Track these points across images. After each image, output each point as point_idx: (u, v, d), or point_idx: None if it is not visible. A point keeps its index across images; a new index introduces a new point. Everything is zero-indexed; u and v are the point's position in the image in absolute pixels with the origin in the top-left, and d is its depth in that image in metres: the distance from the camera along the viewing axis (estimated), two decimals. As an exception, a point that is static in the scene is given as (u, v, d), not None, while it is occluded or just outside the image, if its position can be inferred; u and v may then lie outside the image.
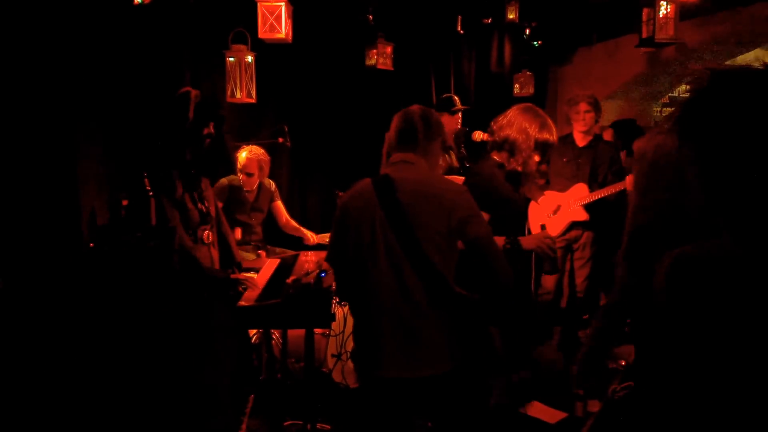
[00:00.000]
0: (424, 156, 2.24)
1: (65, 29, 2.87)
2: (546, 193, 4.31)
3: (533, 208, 4.34)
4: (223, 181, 4.17)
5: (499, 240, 2.51)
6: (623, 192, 4.05)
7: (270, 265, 3.50)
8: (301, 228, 4.47)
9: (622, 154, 4.86)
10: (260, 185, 4.34)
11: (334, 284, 3.04)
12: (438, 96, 5.65)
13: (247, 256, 4.10)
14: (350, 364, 3.62)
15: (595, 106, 4.35)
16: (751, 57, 6.12)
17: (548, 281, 4.38)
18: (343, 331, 3.55)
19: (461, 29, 5.97)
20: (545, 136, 2.69)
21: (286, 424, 3.36)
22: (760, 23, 4.81)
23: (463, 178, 4.15)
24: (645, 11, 4.64)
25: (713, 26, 5.10)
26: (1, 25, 2.65)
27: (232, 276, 2.90)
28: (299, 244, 4.44)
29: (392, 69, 5.42)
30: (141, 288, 2.71)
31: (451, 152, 4.49)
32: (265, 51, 4.00)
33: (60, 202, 2.85)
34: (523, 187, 2.97)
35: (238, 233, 3.76)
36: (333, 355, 3.68)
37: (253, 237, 4.32)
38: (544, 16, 6.09)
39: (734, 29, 5.03)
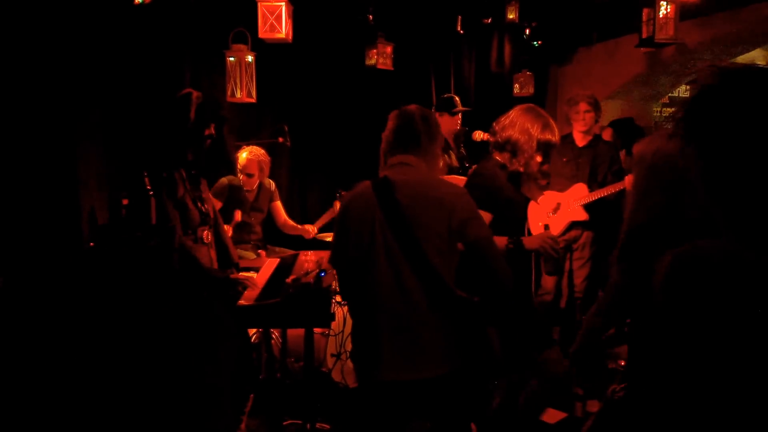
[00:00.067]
0: (424, 158, 2.23)
1: (66, 29, 2.88)
2: (546, 192, 4.31)
3: (533, 208, 4.34)
4: (223, 180, 4.17)
5: (502, 240, 2.51)
6: (623, 192, 4.05)
7: (270, 264, 3.50)
8: (298, 225, 4.48)
9: (622, 154, 4.86)
10: (260, 185, 4.35)
11: (333, 284, 3.05)
12: (438, 96, 5.65)
13: (247, 256, 4.11)
14: (350, 364, 3.63)
15: (595, 106, 4.36)
16: (752, 57, 6.12)
17: (548, 281, 4.39)
18: (343, 331, 3.56)
19: (461, 29, 5.97)
20: (547, 136, 2.69)
21: (285, 423, 3.37)
22: (760, 23, 4.81)
23: (463, 178, 4.16)
24: (645, 11, 4.64)
25: (713, 26, 5.10)
26: (1, 25, 2.65)
27: (232, 276, 2.90)
28: (299, 243, 4.45)
29: (392, 69, 5.42)
30: (141, 287, 2.72)
31: (451, 152, 4.49)
32: (266, 51, 4.00)
33: (60, 202, 2.85)
34: (523, 187, 2.96)
35: (230, 230, 3.75)
36: (332, 355, 3.68)
37: (253, 236, 4.32)
38: (544, 16, 6.08)
39: (734, 29, 5.02)
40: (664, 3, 4.50)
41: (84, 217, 2.94)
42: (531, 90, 6.18)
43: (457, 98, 4.65)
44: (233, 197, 4.19)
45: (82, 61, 2.99)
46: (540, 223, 4.26)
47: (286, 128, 4.35)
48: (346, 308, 3.42)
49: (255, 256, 4.13)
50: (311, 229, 4.38)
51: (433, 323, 2.08)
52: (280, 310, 2.71)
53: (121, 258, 2.82)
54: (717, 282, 1.05)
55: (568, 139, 4.41)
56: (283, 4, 3.60)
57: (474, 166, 4.15)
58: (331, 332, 3.64)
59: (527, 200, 3.38)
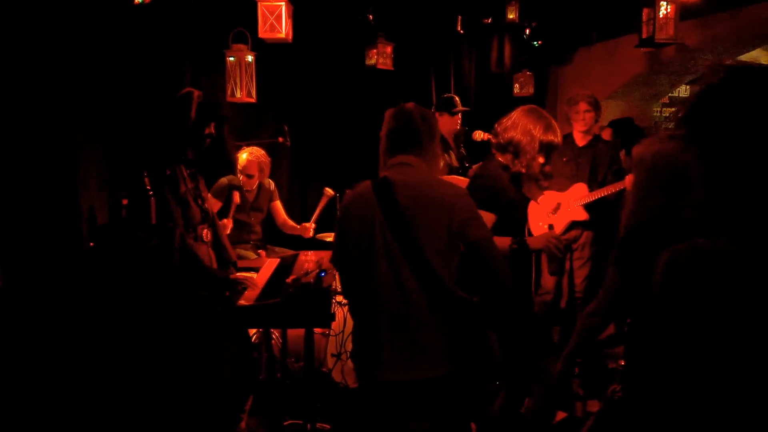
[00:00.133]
0: (425, 158, 2.22)
1: (66, 29, 2.87)
2: (546, 192, 4.31)
3: (533, 208, 4.34)
4: (223, 180, 4.17)
5: (506, 241, 2.51)
6: (623, 192, 4.05)
7: (270, 264, 3.50)
8: (297, 225, 4.48)
9: (621, 154, 4.86)
10: (260, 185, 4.35)
11: (333, 284, 3.05)
12: (438, 96, 5.65)
13: (247, 256, 4.11)
14: (350, 364, 3.62)
15: (595, 106, 4.36)
16: (753, 57, 6.12)
17: (548, 281, 4.38)
18: (343, 331, 3.56)
19: (461, 29, 5.97)
20: (550, 137, 2.68)
21: (285, 423, 3.37)
22: (760, 23, 4.81)
23: (463, 178, 4.15)
24: (645, 11, 4.64)
25: (713, 26, 5.10)
26: (2, 25, 2.65)
27: (232, 276, 2.90)
28: (299, 243, 4.44)
29: (392, 69, 5.42)
30: (141, 287, 2.71)
31: (451, 152, 4.49)
32: (266, 51, 4.00)
33: (60, 202, 2.85)
34: (523, 187, 2.96)
35: (228, 229, 3.75)
36: (333, 355, 3.68)
37: (253, 236, 4.32)
38: (544, 16, 6.08)
39: (734, 29, 5.02)
40: (664, 3, 4.50)
41: (84, 217, 2.94)
42: (531, 90, 6.18)
43: (456, 98, 4.65)
44: (233, 197, 4.18)
45: (83, 61, 2.99)
46: (540, 224, 4.27)
47: (286, 128, 4.35)
48: (346, 308, 3.42)
49: (255, 256, 4.13)
50: (309, 227, 4.37)
51: (433, 323, 2.08)
52: (280, 311, 2.71)
53: (122, 258, 2.82)
54: (716, 280, 1.05)
55: (568, 138, 4.41)
56: (283, 4, 3.60)
57: (474, 166, 4.15)
58: (332, 332, 3.64)
59: (527, 200, 3.38)
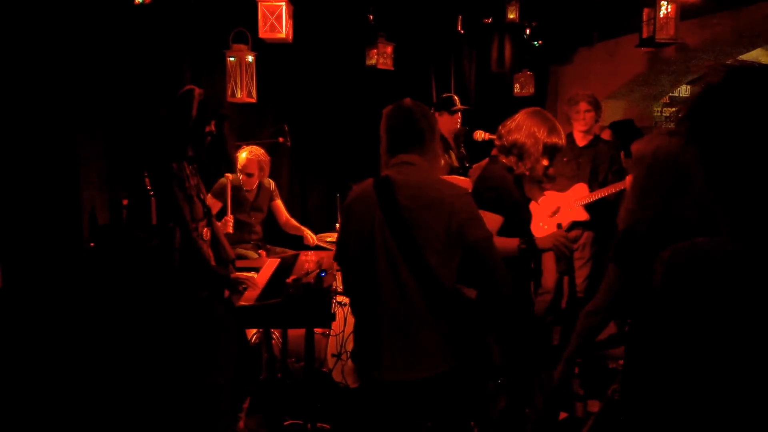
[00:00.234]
0: (426, 155, 2.21)
1: (66, 29, 2.87)
2: (546, 192, 4.31)
3: (533, 208, 4.34)
4: (223, 180, 4.17)
5: (514, 241, 2.51)
6: (623, 192, 4.05)
7: (270, 264, 3.50)
8: (301, 227, 4.47)
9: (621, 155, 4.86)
10: (260, 185, 4.35)
11: (334, 284, 3.05)
12: (438, 95, 5.65)
13: (247, 255, 4.11)
14: (350, 364, 3.62)
15: (595, 106, 4.36)
16: (753, 57, 6.12)
17: (548, 281, 4.39)
18: (343, 331, 3.55)
19: (462, 29, 5.97)
20: (554, 140, 2.68)
21: (286, 423, 3.37)
22: (760, 23, 4.81)
23: (463, 178, 4.15)
24: (645, 11, 4.64)
25: (714, 26, 5.10)
26: (1, 26, 2.65)
27: (233, 275, 2.91)
28: (299, 243, 4.45)
29: (393, 69, 5.42)
30: (142, 287, 2.72)
31: (452, 152, 4.49)
32: (266, 51, 4.00)
33: (61, 202, 2.85)
34: (524, 188, 2.96)
35: (230, 226, 3.75)
36: (333, 355, 3.68)
37: (253, 236, 4.32)
38: (544, 16, 6.08)
39: (735, 29, 5.02)
40: (665, 3, 4.50)
41: (84, 218, 2.94)
42: (531, 90, 6.18)
43: (456, 97, 4.65)
44: (233, 197, 4.19)
45: (83, 61, 2.99)
46: (541, 224, 4.26)
47: (287, 128, 4.35)
48: (346, 308, 3.42)
49: (255, 256, 4.13)
50: (312, 239, 4.35)
51: (432, 323, 2.08)
52: (280, 311, 2.71)
53: (122, 258, 2.82)
54: (716, 280, 1.05)
55: (568, 138, 4.40)
56: (284, 4, 3.60)
57: (474, 166, 4.15)
58: (332, 332, 3.64)
59: (528, 201, 3.38)
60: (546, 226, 4.26)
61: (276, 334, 3.72)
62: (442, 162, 3.90)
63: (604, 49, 6.30)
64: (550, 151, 2.69)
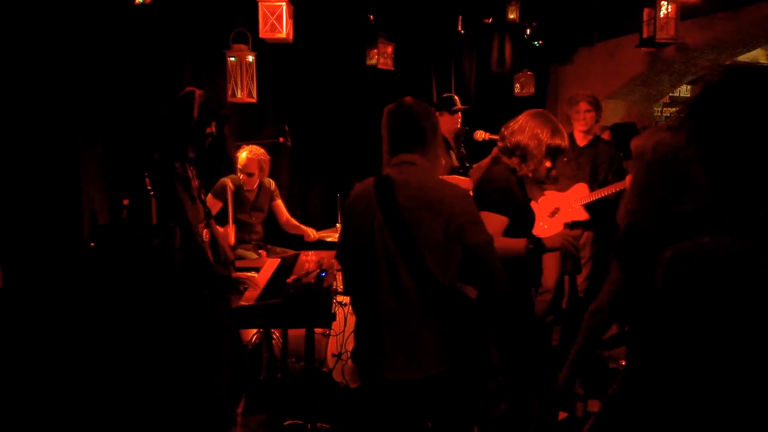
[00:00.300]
0: (428, 155, 2.21)
1: (67, 29, 2.88)
2: (546, 192, 4.31)
3: (533, 208, 4.34)
4: (223, 180, 4.17)
5: (521, 242, 2.50)
6: (623, 191, 4.05)
7: (270, 264, 3.50)
8: (301, 225, 4.48)
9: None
10: (260, 184, 4.35)
11: (334, 284, 3.05)
12: (439, 95, 5.65)
13: (247, 255, 4.11)
14: (350, 364, 3.62)
15: (596, 106, 4.36)
16: (753, 57, 6.12)
17: (548, 281, 4.38)
18: (344, 331, 3.56)
19: (462, 29, 5.97)
20: (557, 141, 2.67)
21: (286, 423, 3.37)
22: (760, 23, 4.81)
23: (463, 178, 4.15)
24: (646, 11, 4.64)
25: (714, 26, 5.10)
26: (1, 26, 2.65)
27: (234, 275, 2.91)
28: (300, 243, 4.45)
29: (393, 69, 5.42)
30: (142, 287, 2.72)
31: (452, 152, 4.49)
32: (266, 51, 4.00)
33: (61, 202, 2.85)
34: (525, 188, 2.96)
35: (232, 236, 3.74)
36: (333, 355, 3.68)
37: (254, 236, 4.32)
38: (544, 16, 6.08)
39: (735, 29, 5.02)
40: (665, 3, 4.50)
41: (85, 218, 2.94)
42: (532, 90, 6.18)
43: (456, 97, 4.65)
44: (233, 197, 4.19)
45: (83, 61, 2.99)
46: (541, 224, 4.26)
47: (287, 128, 4.35)
48: (346, 308, 3.43)
49: (256, 256, 4.13)
50: (312, 234, 4.37)
51: (431, 322, 2.09)
52: (280, 311, 2.71)
53: (122, 258, 2.82)
54: (717, 279, 1.05)
55: (569, 138, 4.41)
56: (284, 4, 3.60)
57: (474, 166, 4.15)
58: (332, 332, 3.64)
59: (530, 201, 3.37)
60: (546, 226, 4.26)
61: (276, 334, 3.72)
62: (443, 162, 3.90)
63: (605, 49, 6.30)
64: (553, 152, 2.68)
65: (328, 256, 3.21)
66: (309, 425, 3.04)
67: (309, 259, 3.32)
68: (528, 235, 2.59)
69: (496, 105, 6.05)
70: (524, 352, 2.73)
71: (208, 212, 2.88)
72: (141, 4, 3.31)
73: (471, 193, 2.62)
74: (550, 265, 4.21)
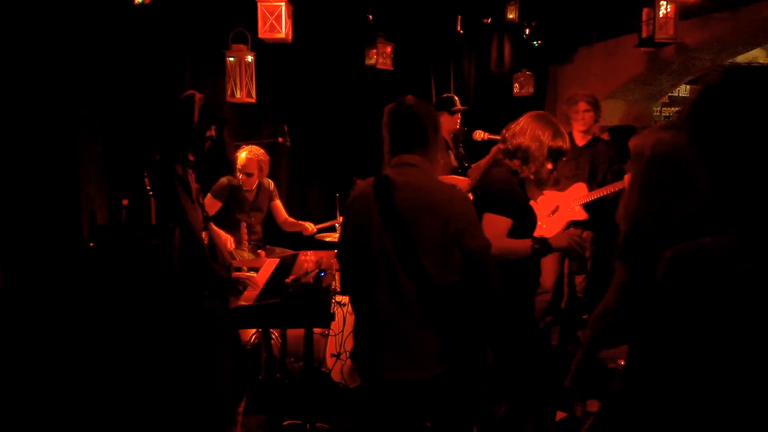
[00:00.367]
0: (429, 156, 2.20)
1: (66, 29, 2.88)
2: (545, 192, 4.31)
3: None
4: (223, 180, 4.18)
5: (526, 243, 2.50)
6: (622, 191, 4.04)
7: (269, 264, 3.50)
8: (299, 221, 4.48)
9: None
10: (259, 185, 4.35)
11: (333, 284, 3.05)
12: (438, 96, 5.64)
13: (246, 256, 4.11)
14: (349, 364, 3.62)
15: (595, 106, 4.35)
16: (752, 56, 6.12)
17: (547, 281, 4.38)
18: (343, 331, 3.55)
19: (461, 29, 5.96)
20: (558, 143, 2.66)
21: (285, 423, 3.37)
22: (760, 23, 4.81)
23: (462, 177, 4.15)
24: (645, 11, 4.65)
25: (713, 26, 5.10)
26: (2, 26, 2.65)
27: (233, 275, 2.91)
28: (299, 243, 4.45)
29: (392, 69, 5.42)
30: (141, 287, 2.72)
31: (450, 152, 4.49)
32: (265, 51, 4.00)
33: (60, 202, 2.85)
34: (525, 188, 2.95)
35: (231, 243, 3.75)
36: (332, 355, 3.69)
37: (253, 236, 4.32)
38: (543, 16, 6.08)
39: (734, 29, 5.02)
40: (664, 2, 4.51)
41: (84, 218, 2.94)
42: (531, 90, 6.18)
43: (456, 98, 4.65)
44: (233, 197, 4.19)
45: (83, 60, 2.99)
46: (540, 223, 4.26)
47: (286, 128, 4.35)
48: (345, 308, 3.43)
49: (254, 256, 4.13)
50: (311, 227, 4.37)
51: (428, 324, 2.09)
52: (279, 311, 2.71)
53: (122, 258, 2.82)
54: (718, 279, 1.05)
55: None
56: (283, 4, 3.60)
57: (473, 165, 4.15)
58: (331, 332, 3.64)
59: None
60: (545, 226, 4.26)
61: (275, 334, 3.72)
62: (442, 162, 3.90)
63: (604, 48, 6.30)
64: (555, 154, 2.67)
65: (327, 256, 3.21)
66: (308, 425, 3.04)
67: (308, 259, 3.32)
68: (530, 237, 2.59)
69: (495, 105, 6.05)
70: (521, 355, 2.72)
71: (206, 216, 2.88)
72: (140, 4, 3.31)
73: (470, 195, 2.62)
74: (549, 265, 4.22)
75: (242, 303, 2.77)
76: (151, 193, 2.69)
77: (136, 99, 3.38)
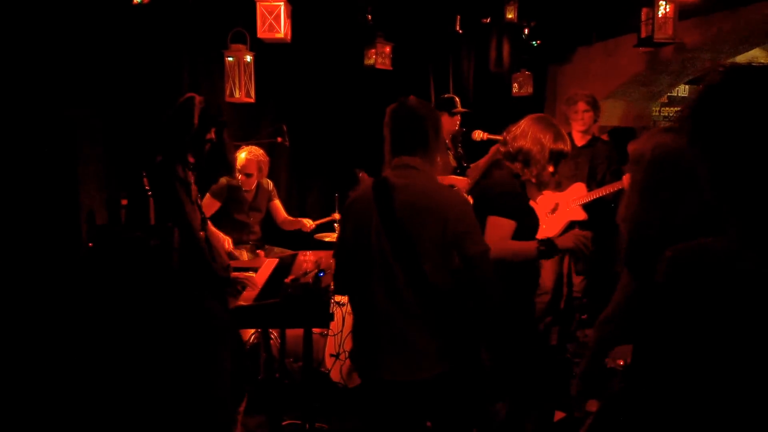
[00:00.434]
0: (429, 158, 2.20)
1: (65, 30, 2.88)
2: (544, 192, 4.30)
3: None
4: (222, 180, 4.17)
5: (531, 244, 2.50)
6: (621, 191, 4.04)
7: (268, 264, 3.50)
8: (297, 218, 4.48)
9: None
10: (258, 185, 4.34)
11: (332, 284, 3.04)
12: (437, 96, 5.64)
13: (245, 256, 4.11)
14: (348, 364, 3.62)
15: (594, 106, 4.35)
16: (752, 56, 6.11)
17: (546, 281, 4.38)
18: (342, 331, 3.55)
19: (460, 29, 5.96)
20: (560, 146, 2.66)
21: (284, 423, 3.37)
22: (760, 22, 4.81)
23: (461, 178, 4.15)
24: (644, 11, 4.65)
25: (712, 26, 5.09)
26: (2, 25, 2.65)
27: (232, 275, 2.91)
28: (298, 243, 4.44)
29: (391, 69, 5.41)
30: (140, 287, 2.71)
31: (449, 152, 4.48)
32: (264, 51, 4.00)
33: (59, 202, 2.85)
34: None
35: (230, 243, 3.74)
36: (331, 355, 3.68)
37: (252, 236, 4.32)
38: (543, 16, 6.08)
39: (733, 29, 5.02)
40: (663, 2, 4.50)
41: (83, 218, 2.94)
42: (530, 89, 6.17)
43: (456, 99, 4.64)
44: (232, 197, 4.19)
45: (82, 60, 2.99)
46: (541, 224, 4.26)
47: (285, 128, 4.35)
48: (344, 308, 3.42)
49: (253, 256, 4.13)
50: (309, 223, 4.37)
51: (427, 325, 2.09)
52: (278, 311, 2.71)
53: (121, 258, 2.82)
54: (719, 279, 1.05)
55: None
56: (282, 3, 3.59)
57: (472, 165, 4.15)
58: (330, 332, 3.64)
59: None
60: (545, 226, 4.26)
61: (274, 334, 3.71)
62: (441, 163, 3.90)
63: (603, 48, 6.30)
64: (556, 157, 2.67)
65: (326, 256, 3.21)
66: (307, 425, 3.04)
67: (307, 259, 3.32)
68: (533, 239, 2.58)
69: (495, 105, 6.05)
70: (518, 357, 2.72)
71: (204, 219, 2.88)
72: (139, 4, 3.31)
73: (467, 195, 2.62)
74: (548, 266, 4.22)
75: (241, 303, 2.77)
76: (150, 193, 2.69)
77: (136, 99, 3.38)
